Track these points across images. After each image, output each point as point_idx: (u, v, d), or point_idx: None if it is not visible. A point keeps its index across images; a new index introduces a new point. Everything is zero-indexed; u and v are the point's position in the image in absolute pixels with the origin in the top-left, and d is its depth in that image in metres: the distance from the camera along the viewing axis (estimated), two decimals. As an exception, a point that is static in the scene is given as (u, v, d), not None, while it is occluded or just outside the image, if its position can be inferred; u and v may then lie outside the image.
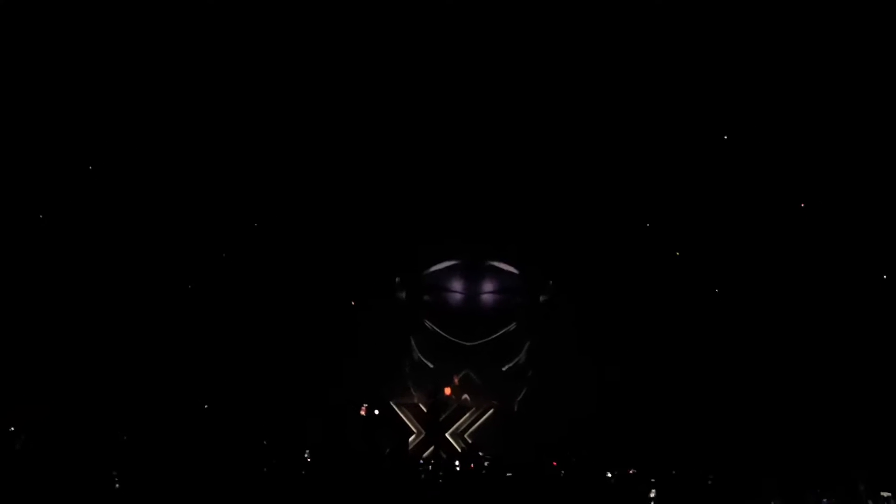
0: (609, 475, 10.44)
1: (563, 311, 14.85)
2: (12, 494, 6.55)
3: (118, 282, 13.88)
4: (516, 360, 15.47)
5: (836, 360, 12.67)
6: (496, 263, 15.55)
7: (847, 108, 12.42)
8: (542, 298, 15.48)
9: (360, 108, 14.02)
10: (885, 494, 5.94)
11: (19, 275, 13.29)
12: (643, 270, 14.46)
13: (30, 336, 13.03)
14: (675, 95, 13.23)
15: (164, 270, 14.32)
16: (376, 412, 13.48)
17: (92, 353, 13.41)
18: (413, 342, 15.58)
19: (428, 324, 15.56)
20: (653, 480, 9.98)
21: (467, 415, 15.11)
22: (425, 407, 14.47)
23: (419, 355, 15.51)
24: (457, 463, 10.77)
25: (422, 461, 12.38)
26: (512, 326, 15.49)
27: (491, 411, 15.17)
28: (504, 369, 15.46)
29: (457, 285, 15.57)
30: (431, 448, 14.06)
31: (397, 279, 15.64)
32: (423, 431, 14.40)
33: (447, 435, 14.89)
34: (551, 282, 15.41)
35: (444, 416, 14.99)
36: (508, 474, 9.37)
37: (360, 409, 13.13)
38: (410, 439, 14.29)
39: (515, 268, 15.54)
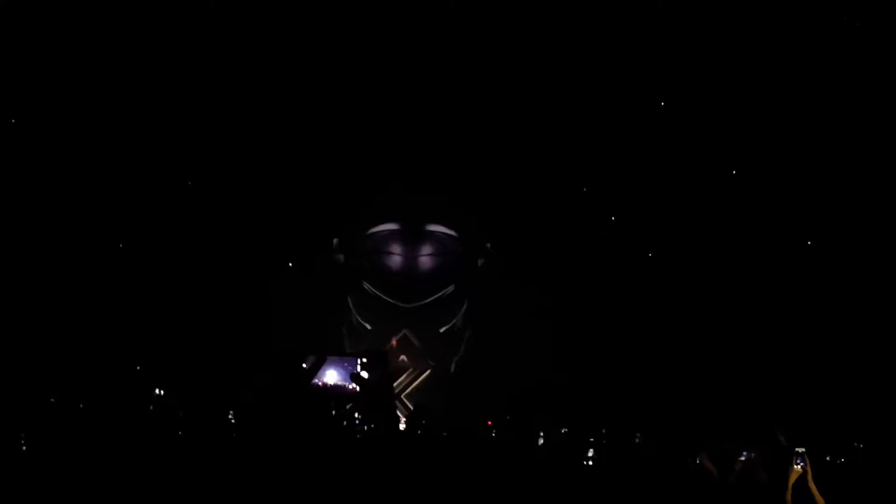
0: (542, 435, 10.57)
1: (501, 275, 14.97)
2: None
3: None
4: (453, 322, 15.59)
5: (762, 324, 13.01)
6: (435, 227, 15.58)
7: (840, 109, 12.45)
8: (480, 262, 15.57)
9: (302, 69, 13.77)
10: (800, 450, 6.15)
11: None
12: (581, 234, 14.64)
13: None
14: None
15: (89, 228, 13.90)
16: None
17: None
18: (351, 304, 15.56)
19: (366, 286, 15.55)
20: (591, 440, 10.15)
21: (404, 376, 15.24)
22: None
23: (357, 317, 15.51)
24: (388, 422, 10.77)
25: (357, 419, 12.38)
26: (450, 289, 15.58)
27: (428, 372, 15.33)
28: (441, 331, 15.58)
29: (396, 248, 15.57)
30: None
31: (335, 240, 15.56)
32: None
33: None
34: (489, 245, 15.50)
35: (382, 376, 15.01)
36: (444, 434, 9.44)
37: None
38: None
39: (454, 231, 15.59)
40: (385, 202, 15.26)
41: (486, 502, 6.25)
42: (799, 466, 6.20)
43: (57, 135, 13.46)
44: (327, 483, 5.21)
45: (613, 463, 9.14)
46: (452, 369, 15.45)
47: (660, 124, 13.75)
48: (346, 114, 14.29)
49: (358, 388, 5.52)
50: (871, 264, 12.48)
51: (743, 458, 7.02)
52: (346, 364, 5.24)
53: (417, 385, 15.26)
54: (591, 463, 9.02)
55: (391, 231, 15.59)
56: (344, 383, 5.42)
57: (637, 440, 9.68)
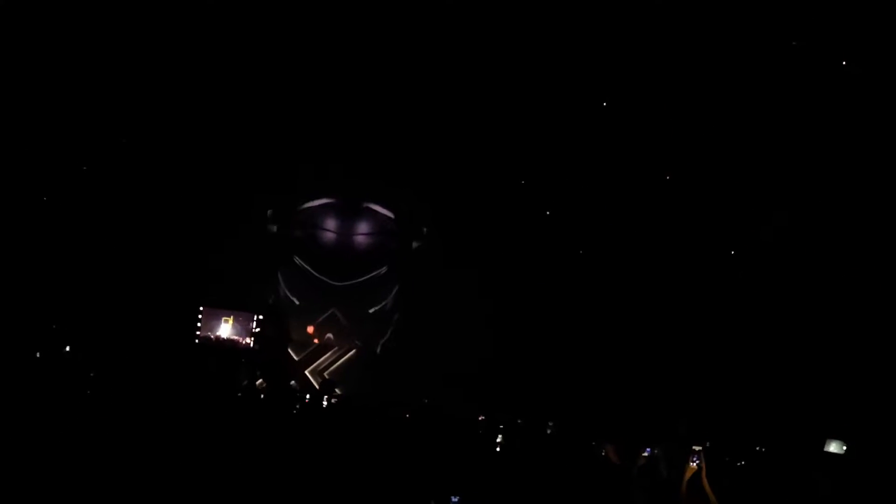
0: (457, 420, 10.60)
1: (435, 259, 14.92)
2: None
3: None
4: (383, 303, 15.49)
5: (683, 323, 13.15)
6: (372, 205, 15.44)
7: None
8: (414, 245, 15.49)
9: (249, 47, 13.49)
10: (697, 448, 6.25)
11: None
12: (519, 222, 14.61)
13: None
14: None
15: (20, 182, 13.50)
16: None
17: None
18: (280, 278, 15.34)
19: (297, 260, 15.36)
20: (501, 427, 10.23)
21: (329, 353, 15.11)
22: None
23: (286, 291, 15.30)
24: (307, 397, 10.72)
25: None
26: (382, 270, 15.47)
27: (353, 352, 15.22)
28: (371, 312, 15.46)
29: (330, 224, 15.39)
30: (292, 382, 13.98)
31: (269, 211, 15.31)
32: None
33: (307, 372, 14.86)
34: (426, 229, 15.43)
35: (305, 354, 14.93)
36: (355, 409, 9.41)
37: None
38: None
39: (391, 211, 15.47)
40: (324, 175, 15.05)
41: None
42: (694, 464, 6.29)
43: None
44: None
45: (524, 448, 9.25)
46: (378, 351, 15.35)
47: (594, 114, 13.63)
48: (297, 89, 14.07)
49: (252, 344, 5.45)
50: (794, 269, 12.60)
51: (646, 454, 7.18)
52: (241, 319, 5.13)
53: (341, 364, 15.13)
54: (498, 449, 9.09)
55: (327, 205, 15.40)
56: (238, 338, 5.35)
57: (549, 429, 9.78)
